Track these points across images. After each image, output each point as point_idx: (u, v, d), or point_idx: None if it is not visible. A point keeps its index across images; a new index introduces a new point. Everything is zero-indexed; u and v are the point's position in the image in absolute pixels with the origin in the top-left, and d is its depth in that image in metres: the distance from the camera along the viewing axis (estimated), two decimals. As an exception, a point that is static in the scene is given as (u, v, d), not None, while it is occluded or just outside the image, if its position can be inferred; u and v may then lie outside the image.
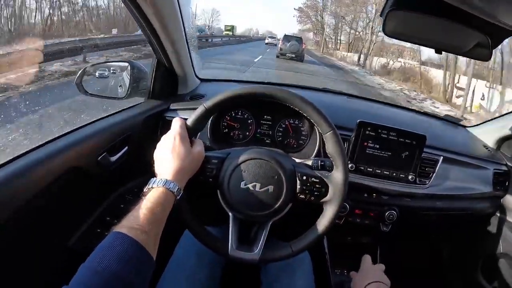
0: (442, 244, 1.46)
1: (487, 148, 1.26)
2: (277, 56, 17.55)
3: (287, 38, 17.82)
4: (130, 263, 0.50)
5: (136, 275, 0.50)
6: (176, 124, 0.71)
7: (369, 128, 1.01)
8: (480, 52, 0.86)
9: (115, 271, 0.47)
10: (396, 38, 0.84)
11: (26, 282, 0.77)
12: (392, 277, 0.92)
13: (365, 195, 1.05)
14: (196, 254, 0.84)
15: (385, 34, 0.81)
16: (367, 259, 0.98)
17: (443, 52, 0.89)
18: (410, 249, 1.49)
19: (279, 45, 18.16)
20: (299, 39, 17.90)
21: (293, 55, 17.19)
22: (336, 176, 0.74)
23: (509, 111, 1.26)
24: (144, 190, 0.63)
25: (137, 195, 0.63)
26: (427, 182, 1.08)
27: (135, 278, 0.49)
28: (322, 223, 0.74)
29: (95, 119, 0.96)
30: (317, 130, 1.04)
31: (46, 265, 0.83)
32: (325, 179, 0.74)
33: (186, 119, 0.73)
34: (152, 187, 0.62)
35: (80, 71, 1.12)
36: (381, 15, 0.82)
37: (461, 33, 0.83)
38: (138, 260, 0.51)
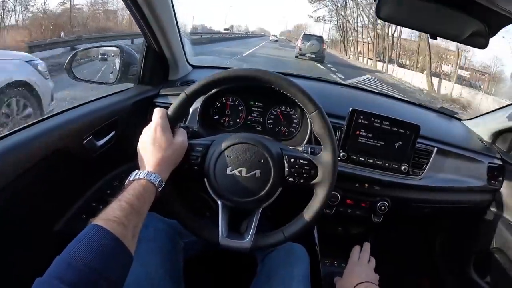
0: (435, 237, 1.45)
1: (482, 142, 1.25)
2: (296, 57, 16.15)
3: (307, 37, 16.41)
4: (105, 256, 0.49)
5: (112, 267, 0.49)
6: (156, 114, 0.69)
7: (361, 117, 0.99)
8: (477, 40, 0.85)
9: (90, 263, 0.46)
10: (389, 22, 0.82)
11: (11, 266, 0.76)
12: (383, 269, 0.90)
13: (357, 185, 1.03)
14: (150, 241, 0.81)
15: (379, 17, 0.79)
16: (355, 252, 0.96)
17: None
18: (402, 241, 1.48)
19: (298, 45, 16.52)
20: (319, 39, 16.53)
21: (313, 55, 15.74)
22: (325, 157, 0.72)
23: (504, 105, 1.24)
24: (125, 183, 0.62)
25: (124, 181, 0.62)
26: (420, 173, 1.06)
27: (111, 270, 0.48)
28: (314, 206, 0.72)
29: (81, 102, 0.95)
30: (308, 117, 1.02)
31: (30, 249, 0.81)
32: (313, 161, 0.72)
33: (168, 107, 0.72)
34: (133, 179, 0.62)
35: (70, 55, 1.10)
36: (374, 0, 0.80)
37: (457, 20, 0.81)
38: (114, 253, 0.50)
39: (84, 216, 0.94)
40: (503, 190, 1.17)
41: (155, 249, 0.80)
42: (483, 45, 0.84)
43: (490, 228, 1.19)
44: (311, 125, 1.00)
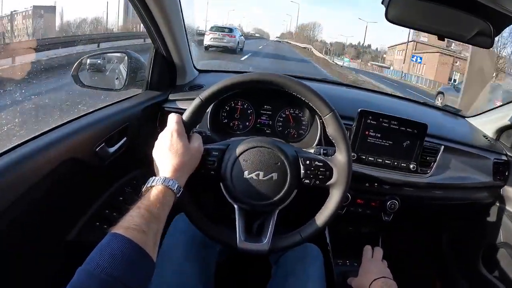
0: (443, 234, 1.47)
1: (487, 138, 1.26)
2: None
3: None
4: (127, 264, 0.49)
5: (135, 276, 0.49)
6: (172, 120, 0.69)
7: (370, 117, 1.00)
8: (482, 40, 0.87)
9: (112, 273, 0.46)
10: (398, 25, 0.83)
11: (25, 275, 0.76)
12: (393, 267, 0.91)
13: (367, 184, 1.05)
14: (183, 246, 0.82)
15: (388, 20, 0.80)
16: (368, 251, 0.97)
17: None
18: (411, 238, 1.49)
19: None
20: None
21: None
22: (340, 158, 0.73)
23: (508, 101, 1.25)
24: (143, 189, 0.62)
25: (136, 187, 0.62)
26: (428, 171, 1.07)
27: (134, 279, 0.48)
28: (329, 206, 0.73)
29: (92, 109, 0.95)
30: (317, 119, 1.03)
31: (44, 258, 0.81)
32: (328, 162, 0.73)
33: (182, 112, 0.72)
34: (151, 186, 0.61)
35: (77, 62, 1.10)
36: (382, 3, 0.81)
37: (463, 20, 0.83)
38: (136, 261, 0.50)
39: (97, 223, 0.95)
40: (508, 185, 1.18)
41: (190, 256, 0.81)
42: (488, 44, 0.86)
43: (497, 223, 1.21)
44: (321, 127, 1.01)
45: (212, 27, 14.61)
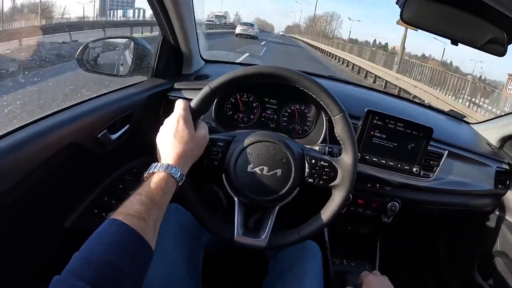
0: (441, 239, 1.47)
1: (490, 146, 1.26)
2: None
3: None
4: (125, 251, 0.47)
5: (133, 263, 0.47)
6: (179, 106, 0.67)
7: (376, 117, 0.99)
8: (495, 48, 0.86)
9: (109, 259, 0.45)
10: (412, 26, 0.82)
11: (21, 261, 0.76)
12: (388, 269, 0.91)
13: (369, 185, 1.04)
14: (172, 235, 0.80)
15: (402, 20, 0.80)
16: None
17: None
18: (409, 242, 1.49)
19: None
20: None
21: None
22: (346, 160, 0.72)
23: None
24: (145, 175, 0.60)
25: (137, 176, 0.61)
26: (431, 175, 1.07)
27: (132, 267, 0.47)
28: (330, 208, 0.73)
29: (95, 95, 0.93)
30: (323, 116, 1.02)
31: (42, 245, 0.81)
32: (334, 163, 0.72)
33: (190, 100, 0.70)
34: (153, 172, 0.59)
35: (82, 46, 1.08)
36: (397, 3, 0.80)
37: (476, 25, 0.82)
38: (134, 248, 0.48)
39: (96, 211, 0.93)
40: (509, 194, 1.18)
41: (178, 246, 0.79)
42: (501, 52, 0.85)
43: (495, 231, 1.21)
44: (326, 125, 1.00)
45: (241, 23, 27.69)
